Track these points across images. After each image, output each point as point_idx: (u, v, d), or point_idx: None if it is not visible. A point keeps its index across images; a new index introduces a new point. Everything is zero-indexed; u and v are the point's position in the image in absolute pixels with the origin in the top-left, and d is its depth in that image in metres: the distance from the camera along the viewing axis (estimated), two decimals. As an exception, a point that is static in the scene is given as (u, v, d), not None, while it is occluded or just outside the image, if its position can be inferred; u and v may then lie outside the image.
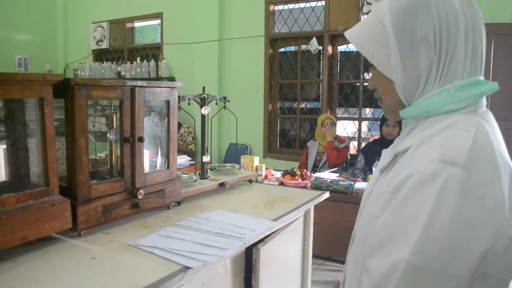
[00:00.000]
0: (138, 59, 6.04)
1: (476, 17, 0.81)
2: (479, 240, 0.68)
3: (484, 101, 0.84)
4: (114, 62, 6.32)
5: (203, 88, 2.06)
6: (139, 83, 1.47)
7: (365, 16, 4.29)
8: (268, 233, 1.52)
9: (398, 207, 0.74)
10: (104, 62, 6.38)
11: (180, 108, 1.75)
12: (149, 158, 1.70)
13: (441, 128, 0.78)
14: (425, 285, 0.69)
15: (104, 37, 6.48)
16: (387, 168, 0.88)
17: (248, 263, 1.51)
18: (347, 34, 0.91)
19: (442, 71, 0.81)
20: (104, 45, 6.49)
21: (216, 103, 2.14)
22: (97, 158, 1.72)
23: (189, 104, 1.94)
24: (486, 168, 0.71)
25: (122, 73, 6.10)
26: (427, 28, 0.80)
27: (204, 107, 2.00)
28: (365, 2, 4.39)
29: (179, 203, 1.74)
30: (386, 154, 0.92)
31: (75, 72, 6.62)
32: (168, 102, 1.62)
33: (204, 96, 1.99)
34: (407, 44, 0.82)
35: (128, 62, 6.11)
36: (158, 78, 5.81)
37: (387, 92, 0.88)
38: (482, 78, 0.83)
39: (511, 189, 0.73)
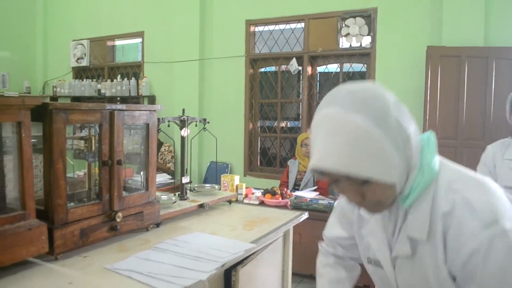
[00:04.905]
0: (119, 77, 6.03)
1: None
2: None
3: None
4: (94, 80, 6.28)
5: (183, 110, 2.07)
6: (119, 106, 1.48)
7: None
8: (247, 255, 1.53)
9: (489, 282, 0.82)
10: (84, 80, 6.34)
11: (159, 130, 1.76)
12: (128, 179, 1.70)
13: (446, 195, 0.87)
14: None
15: (85, 54, 6.45)
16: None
17: (227, 285, 1.51)
18: (328, 165, 0.82)
19: (412, 154, 0.88)
20: (84, 62, 6.45)
21: (196, 125, 2.16)
22: (76, 176, 1.71)
23: (168, 126, 1.95)
24: (505, 207, 0.84)
25: (102, 91, 6.06)
26: (407, 124, 0.87)
27: (184, 129, 2.01)
28: (344, 25, 4.50)
29: (158, 225, 1.74)
30: (402, 241, 0.95)
31: (54, 89, 6.56)
32: (147, 125, 1.63)
33: (183, 118, 2.01)
34: (401, 145, 0.85)
35: (109, 80, 6.09)
36: (138, 97, 5.80)
37: (388, 196, 0.89)
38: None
39: None
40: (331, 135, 0.82)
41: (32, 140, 1.26)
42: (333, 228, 1.23)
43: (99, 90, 6.12)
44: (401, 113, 0.86)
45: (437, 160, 0.92)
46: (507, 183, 2.06)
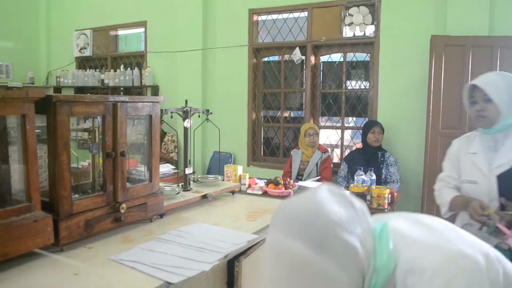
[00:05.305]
0: (122, 67, 6.03)
1: None
2: None
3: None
4: (97, 70, 6.28)
5: (186, 101, 2.08)
6: (122, 98, 1.48)
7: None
8: (250, 245, 1.54)
9: None
10: (87, 70, 6.35)
11: (162, 122, 1.76)
12: (132, 170, 1.70)
13: None
14: None
15: (88, 44, 6.44)
16: None
17: (230, 275, 1.53)
18: None
19: (363, 261, 0.85)
20: (88, 52, 6.45)
21: (199, 116, 2.17)
22: (80, 166, 1.72)
23: (171, 117, 1.96)
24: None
25: (106, 81, 6.07)
26: (353, 236, 0.83)
27: (187, 120, 2.02)
28: (347, 14, 4.47)
29: (161, 215, 1.75)
30: None
31: (58, 79, 6.56)
32: (150, 116, 1.63)
33: (186, 109, 2.01)
34: (348, 262, 0.82)
35: (112, 70, 6.09)
36: (141, 87, 5.80)
37: None
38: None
39: None
40: (274, 265, 0.84)
41: (36, 131, 1.27)
42: None
43: (102, 80, 6.12)
44: (346, 227, 0.82)
45: (392, 250, 0.87)
46: (469, 177, 2.03)
